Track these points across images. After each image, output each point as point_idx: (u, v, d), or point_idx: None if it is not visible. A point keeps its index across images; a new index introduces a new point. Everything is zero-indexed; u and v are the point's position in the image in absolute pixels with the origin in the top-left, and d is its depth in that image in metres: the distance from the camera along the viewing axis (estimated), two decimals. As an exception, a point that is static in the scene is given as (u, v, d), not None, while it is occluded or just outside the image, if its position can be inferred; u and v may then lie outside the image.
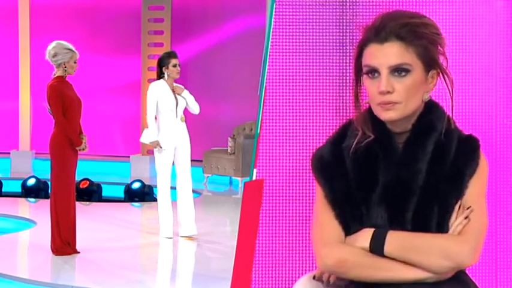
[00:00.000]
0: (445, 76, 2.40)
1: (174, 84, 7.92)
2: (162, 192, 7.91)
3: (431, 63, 2.37)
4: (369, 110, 2.41)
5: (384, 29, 2.33)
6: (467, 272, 2.47)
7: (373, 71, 2.34)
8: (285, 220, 3.41)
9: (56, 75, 7.05)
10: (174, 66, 7.84)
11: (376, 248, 2.32)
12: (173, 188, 7.99)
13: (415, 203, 2.36)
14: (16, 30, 13.36)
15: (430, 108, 2.41)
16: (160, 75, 7.90)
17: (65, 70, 7.01)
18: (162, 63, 7.88)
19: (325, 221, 2.42)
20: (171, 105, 7.80)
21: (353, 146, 2.41)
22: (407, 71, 2.33)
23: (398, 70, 2.32)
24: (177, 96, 7.86)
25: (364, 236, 2.34)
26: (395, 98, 2.32)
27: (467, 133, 2.46)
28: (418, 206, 2.36)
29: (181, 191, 7.94)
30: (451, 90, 2.42)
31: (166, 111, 7.80)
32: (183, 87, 7.96)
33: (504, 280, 3.42)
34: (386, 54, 2.32)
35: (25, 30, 13.31)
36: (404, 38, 2.32)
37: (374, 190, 2.38)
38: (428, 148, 2.38)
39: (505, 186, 3.43)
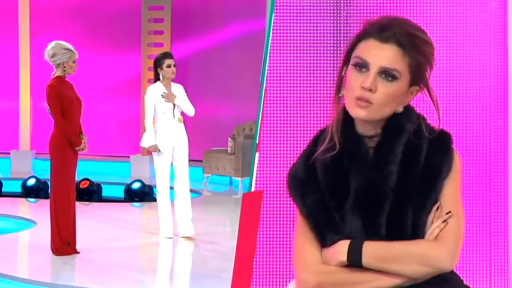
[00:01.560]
0: (431, 96, 2.40)
1: (172, 84, 7.91)
2: (161, 192, 7.92)
3: (418, 79, 2.37)
4: (343, 112, 2.40)
5: (389, 29, 2.33)
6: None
7: (363, 65, 2.34)
8: (285, 221, 3.41)
9: (56, 75, 7.05)
10: (168, 66, 7.82)
11: (354, 261, 2.32)
12: (171, 188, 7.99)
13: (388, 205, 2.35)
14: (16, 30, 13.37)
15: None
16: (157, 77, 7.90)
17: (64, 70, 7.00)
18: (157, 64, 7.88)
19: (301, 243, 2.44)
20: (168, 107, 7.81)
21: (317, 154, 2.41)
22: (395, 77, 2.32)
23: (387, 74, 2.32)
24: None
25: (340, 251, 2.34)
26: (374, 99, 2.32)
27: (439, 129, 2.43)
28: (392, 209, 2.35)
29: (179, 191, 7.94)
30: (437, 108, 2.41)
31: (163, 113, 7.81)
32: (177, 91, 7.89)
33: (498, 281, 3.43)
34: (382, 54, 2.32)
35: (25, 30, 13.31)
36: (404, 46, 2.32)
37: (346, 197, 2.37)
38: (397, 150, 2.37)
39: (499, 187, 3.43)
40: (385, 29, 2.33)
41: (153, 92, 7.82)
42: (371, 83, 2.31)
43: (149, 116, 7.82)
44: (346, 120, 2.39)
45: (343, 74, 2.41)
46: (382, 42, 2.33)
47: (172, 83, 7.92)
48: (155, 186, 11.04)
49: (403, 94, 2.36)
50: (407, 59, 2.32)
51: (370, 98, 2.32)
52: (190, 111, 7.96)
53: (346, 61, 2.40)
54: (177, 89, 7.91)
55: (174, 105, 7.83)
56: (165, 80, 7.85)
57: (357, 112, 2.34)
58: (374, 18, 2.41)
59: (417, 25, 2.38)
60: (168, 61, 7.82)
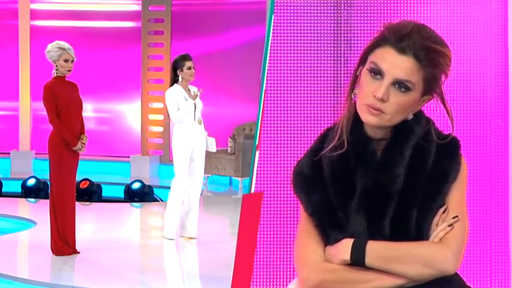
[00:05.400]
0: (444, 105, 2.41)
1: (190, 86, 7.91)
2: (176, 193, 7.87)
3: (431, 89, 2.37)
4: (354, 112, 2.40)
5: (408, 40, 2.31)
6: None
7: (378, 72, 2.33)
8: (285, 221, 3.41)
9: (54, 75, 7.05)
10: (189, 68, 7.85)
11: (357, 260, 2.33)
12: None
13: (393, 207, 2.35)
14: (16, 31, 13.37)
15: None
16: (175, 79, 7.90)
17: (57, 69, 6.99)
18: (176, 66, 7.89)
19: (304, 241, 2.43)
20: (189, 109, 7.81)
21: (326, 151, 2.41)
22: (408, 89, 2.32)
23: (401, 85, 2.31)
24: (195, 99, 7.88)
25: (344, 249, 2.34)
26: (385, 108, 2.32)
27: (447, 133, 2.44)
28: (397, 210, 2.35)
29: (193, 193, 7.93)
30: (450, 116, 2.42)
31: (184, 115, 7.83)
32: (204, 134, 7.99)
33: (498, 281, 3.43)
34: (398, 65, 2.30)
35: (25, 30, 13.31)
36: (420, 60, 2.30)
37: (352, 197, 2.38)
38: (405, 152, 2.37)
39: (499, 187, 3.43)
40: (404, 39, 2.31)
41: (175, 93, 7.81)
42: (383, 93, 2.30)
43: (175, 112, 7.80)
44: (356, 120, 2.40)
45: (358, 73, 2.40)
46: (399, 52, 2.31)
47: (189, 85, 7.94)
48: (155, 187, 11.12)
49: (415, 103, 2.36)
50: (422, 72, 2.32)
51: (382, 108, 2.32)
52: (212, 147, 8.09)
53: (362, 61, 2.39)
54: (195, 91, 7.94)
55: (195, 107, 7.84)
56: (183, 82, 7.86)
57: (367, 118, 2.35)
58: (394, 22, 2.38)
59: (437, 35, 2.35)
60: (188, 63, 7.86)
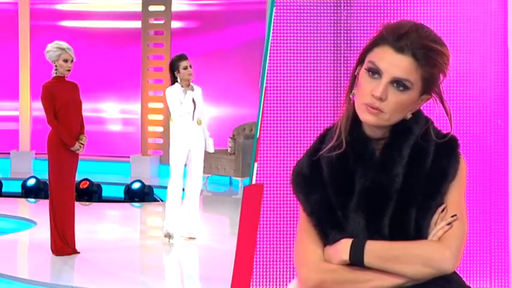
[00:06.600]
0: (443, 104, 2.41)
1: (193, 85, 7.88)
2: (173, 192, 7.88)
3: (430, 88, 2.37)
4: (353, 112, 2.41)
5: (406, 39, 2.31)
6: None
7: (376, 72, 2.33)
8: (285, 221, 3.41)
9: (54, 75, 7.05)
10: (185, 68, 7.80)
11: (356, 260, 2.33)
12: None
13: (392, 206, 2.35)
14: (16, 30, 13.37)
15: None
16: (174, 80, 7.87)
17: (57, 69, 6.99)
18: (173, 68, 7.86)
19: (304, 241, 2.44)
20: (188, 109, 7.79)
21: (324, 151, 2.41)
22: (406, 87, 2.32)
23: (399, 83, 2.32)
24: (194, 99, 7.85)
25: (342, 249, 2.35)
26: (384, 107, 2.32)
27: (446, 132, 2.44)
28: (396, 210, 2.35)
29: (191, 192, 7.93)
30: (449, 116, 2.42)
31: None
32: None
33: (498, 281, 3.43)
34: (396, 64, 2.31)
35: (25, 30, 13.32)
36: (419, 59, 2.31)
37: (351, 196, 2.38)
38: (404, 152, 2.37)
39: (499, 187, 3.43)
40: (402, 38, 2.31)
41: (175, 92, 7.78)
42: (381, 92, 2.31)
43: (176, 109, 7.75)
44: (355, 120, 2.40)
45: (356, 73, 2.40)
46: (398, 52, 2.31)
47: (192, 84, 7.89)
48: (155, 187, 11.12)
49: (413, 102, 2.37)
50: (420, 71, 2.32)
51: (380, 107, 2.32)
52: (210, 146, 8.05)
53: (361, 61, 2.40)
54: (197, 92, 7.90)
55: (194, 107, 7.82)
56: (183, 82, 7.83)
57: (366, 118, 2.35)
58: (392, 22, 2.39)
59: (435, 35, 2.36)
60: (183, 63, 7.80)
